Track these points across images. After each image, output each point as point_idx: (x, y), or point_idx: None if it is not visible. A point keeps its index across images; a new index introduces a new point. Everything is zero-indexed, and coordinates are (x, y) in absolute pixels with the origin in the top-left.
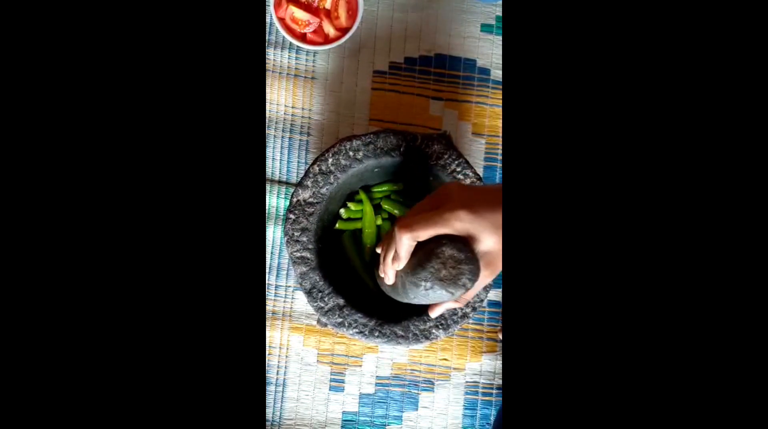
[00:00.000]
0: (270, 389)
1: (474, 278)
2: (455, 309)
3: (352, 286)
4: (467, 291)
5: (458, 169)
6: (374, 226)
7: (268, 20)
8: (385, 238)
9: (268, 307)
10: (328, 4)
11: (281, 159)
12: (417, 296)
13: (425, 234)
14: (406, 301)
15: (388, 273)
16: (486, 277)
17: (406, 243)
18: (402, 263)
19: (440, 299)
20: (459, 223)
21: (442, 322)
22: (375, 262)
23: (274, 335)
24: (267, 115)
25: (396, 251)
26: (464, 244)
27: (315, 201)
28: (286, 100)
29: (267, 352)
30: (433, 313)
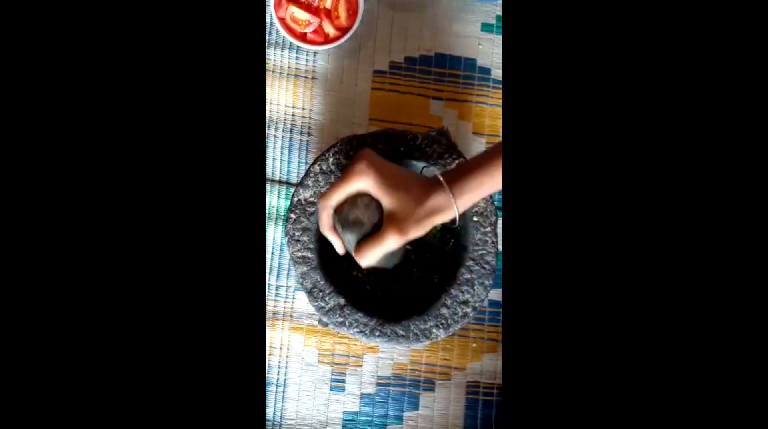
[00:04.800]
0: (271, 389)
1: (369, 221)
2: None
3: (353, 286)
4: (369, 234)
5: None
6: None
7: (268, 20)
8: None
9: (268, 308)
10: (328, 4)
11: (281, 159)
12: (348, 245)
13: (335, 198)
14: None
15: (333, 243)
16: (394, 234)
17: (323, 212)
18: (325, 231)
19: (351, 243)
20: (360, 177)
21: (443, 321)
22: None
23: (274, 335)
24: (267, 115)
25: (320, 221)
26: (371, 197)
27: (316, 200)
28: (286, 100)
29: (268, 353)
30: (360, 260)
